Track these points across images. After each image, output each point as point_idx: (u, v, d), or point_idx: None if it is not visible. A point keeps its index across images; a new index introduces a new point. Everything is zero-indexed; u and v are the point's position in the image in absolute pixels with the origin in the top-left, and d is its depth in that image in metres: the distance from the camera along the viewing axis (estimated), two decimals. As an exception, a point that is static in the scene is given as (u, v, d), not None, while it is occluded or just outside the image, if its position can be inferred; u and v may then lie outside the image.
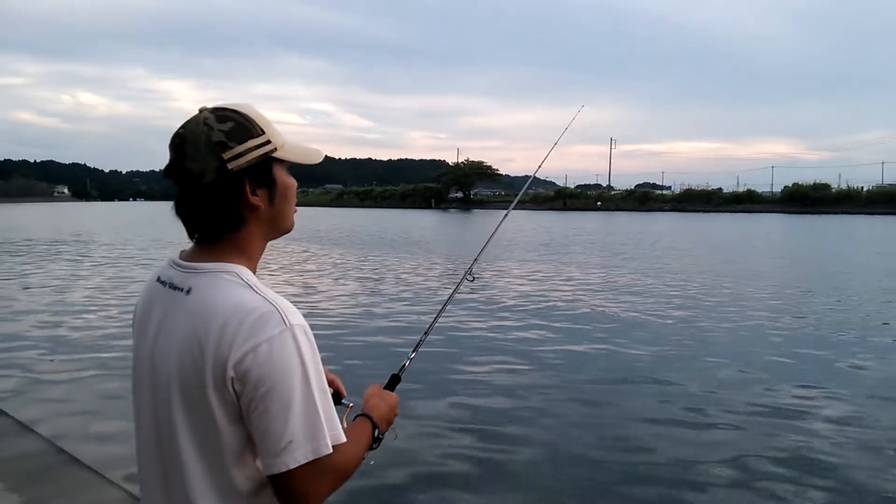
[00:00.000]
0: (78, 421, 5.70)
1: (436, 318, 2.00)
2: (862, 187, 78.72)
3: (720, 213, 68.46)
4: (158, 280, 1.29)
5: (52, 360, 7.61)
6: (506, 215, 2.74)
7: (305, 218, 56.78)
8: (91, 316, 10.34)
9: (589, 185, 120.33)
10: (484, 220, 49.66)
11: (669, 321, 10.24)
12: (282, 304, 1.18)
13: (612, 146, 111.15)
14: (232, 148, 1.20)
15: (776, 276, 16.23)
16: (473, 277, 2.29)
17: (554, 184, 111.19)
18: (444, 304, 2.10)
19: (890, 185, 79.02)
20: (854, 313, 10.94)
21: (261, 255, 1.32)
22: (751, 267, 18.27)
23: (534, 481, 4.61)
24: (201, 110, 1.24)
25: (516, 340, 8.88)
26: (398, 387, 1.69)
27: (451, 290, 2.18)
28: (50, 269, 16.76)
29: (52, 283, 14.28)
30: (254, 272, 1.27)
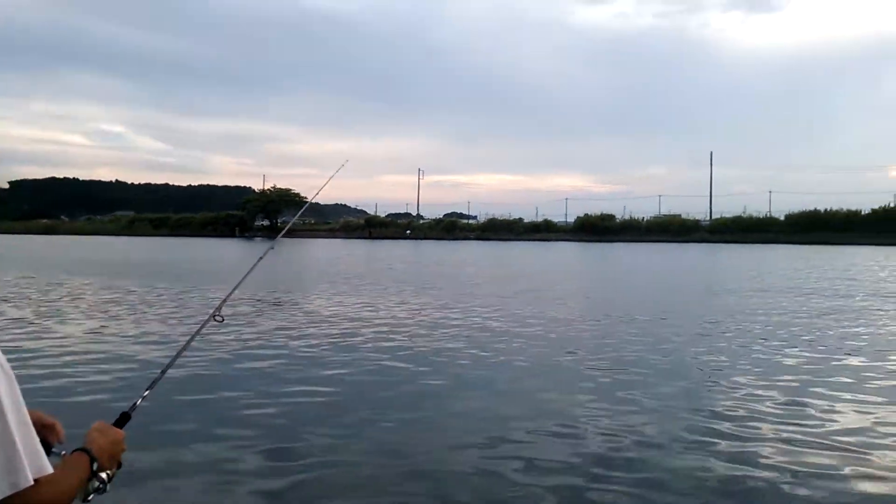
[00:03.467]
0: None
1: (174, 358, 2.01)
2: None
3: (521, 241, 72.11)
4: None
5: None
6: (271, 247, 2.91)
7: (84, 248, 50.37)
8: None
9: (399, 213, 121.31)
10: (288, 250, 47.18)
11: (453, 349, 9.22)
12: None
13: (421, 176, 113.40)
14: None
15: (578, 301, 16.27)
16: (223, 318, 2.25)
17: (365, 212, 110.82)
18: (185, 346, 2.09)
19: (665, 215, 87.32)
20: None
21: None
22: (555, 292, 18.36)
23: None
24: None
25: (289, 372, 7.29)
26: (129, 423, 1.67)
27: (194, 332, 2.17)
28: None
29: None
30: None
